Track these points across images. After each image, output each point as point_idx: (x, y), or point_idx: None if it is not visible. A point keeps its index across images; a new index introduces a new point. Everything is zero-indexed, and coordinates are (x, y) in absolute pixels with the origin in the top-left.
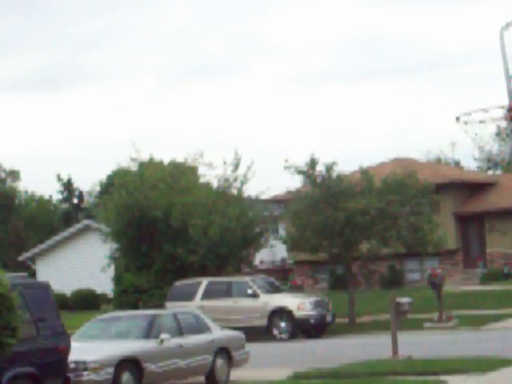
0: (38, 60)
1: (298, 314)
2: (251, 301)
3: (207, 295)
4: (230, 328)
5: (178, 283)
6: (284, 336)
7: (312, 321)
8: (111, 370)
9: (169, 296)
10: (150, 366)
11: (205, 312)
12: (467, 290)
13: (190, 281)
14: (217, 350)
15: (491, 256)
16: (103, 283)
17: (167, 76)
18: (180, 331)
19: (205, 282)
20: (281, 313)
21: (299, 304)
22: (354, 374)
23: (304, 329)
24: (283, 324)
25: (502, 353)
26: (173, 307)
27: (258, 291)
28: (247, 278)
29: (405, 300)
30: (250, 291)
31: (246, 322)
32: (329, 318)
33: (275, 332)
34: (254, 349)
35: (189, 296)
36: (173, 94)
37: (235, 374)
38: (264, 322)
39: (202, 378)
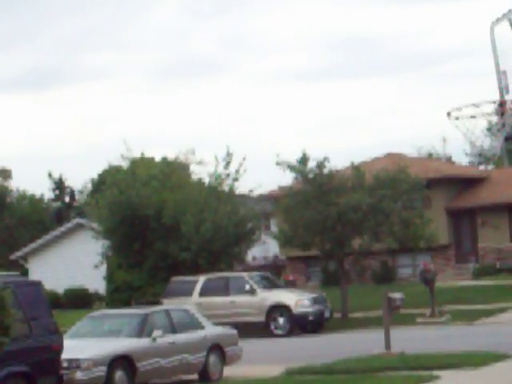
0: (29, 59)
1: (296, 310)
2: (249, 297)
3: (205, 292)
4: (228, 324)
5: (175, 280)
6: (282, 332)
7: (310, 317)
8: (104, 368)
9: (166, 292)
10: (142, 364)
11: (202, 308)
12: (459, 285)
13: (187, 277)
14: (210, 346)
15: (483, 251)
16: (96, 281)
17: (157, 74)
18: (173, 328)
19: (202, 278)
20: (279, 309)
21: (297, 300)
22: (347, 370)
23: (302, 325)
24: (281, 320)
25: (495, 348)
26: (170, 304)
27: (256, 287)
28: (245, 275)
29: (397, 295)
30: (247, 287)
31: (244, 318)
32: (327, 314)
33: (273, 328)
34: (251, 345)
35: (186, 292)
36: (163, 91)
37: (228, 370)
38: (262, 318)
39: (195, 375)
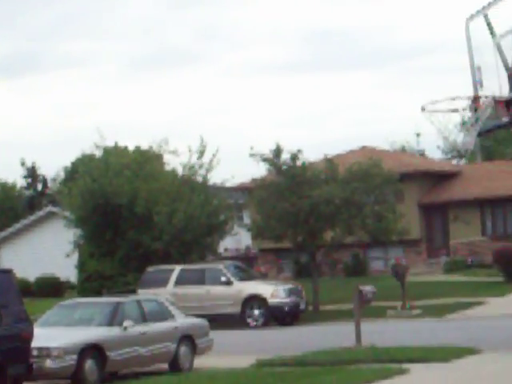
0: (4, 46)
1: (271, 301)
2: (224, 288)
3: (180, 282)
4: (203, 316)
5: (150, 269)
6: (257, 323)
7: (286, 308)
8: (74, 356)
9: (141, 282)
10: (113, 353)
11: (177, 299)
12: (430, 280)
13: (162, 267)
14: (180, 337)
15: (455, 246)
16: (67, 270)
17: (132, 63)
18: (144, 318)
19: (177, 268)
20: (254, 300)
21: (273, 291)
22: (317, 362)
23: (278, 316)
24: (257, 311)
25: (464, 342)
26: (145, 294)
27: (232, 278)
28: (221, 266)
29: (368, 289)
30: (223, 278)
31: (220, 310)
32: (302, 306)
33: (248, 319)
34: (224, 336)
35: (161, 283)
36: (138, 81)
37: (199, 361)
38: (237, 309)
39: (165, 366)
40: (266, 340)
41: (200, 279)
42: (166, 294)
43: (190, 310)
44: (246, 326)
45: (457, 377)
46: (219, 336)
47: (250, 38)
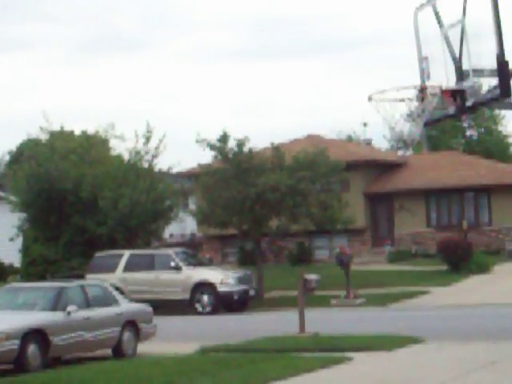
0: None
1: (220, 288)
2: (174, 274)
3: (129, 267)
4: (153, 301)
5: (98, 254)
6: (206, 310)
7: (235, 295)
8: (17, 341)
9: (89, 267)
10: (56, 338)
11: (126, 284)
12: (375, 269)
13: (111, 252)
14: (124, 322)
15: (399, 236)
16: (11, 254)
17: (79, 47)
18: (87, 303)
19: (126, 253)
20: (204, 286)
21: (222, 278)
22: (260, 349)
23: (227, 303)
24: (205, 298)
25: (407, 331)
26: (94, 279)
27: (181, 264)
28: (170, 251)
29: (312, 277)
30: (172, 264)
31: (169, 296)
32: (251, 293)
33: (197, 306)
34: (169, 322)
35: (110, 268)
36: (85, 65)
37: (143, 347)
38: (186, 295)
39: (108, 351)
40: (212, 327)
41: (149, 265)
42: (114, 279)
43: (139, 295)
44: (195, 312)
45: (399, 365)
46: (165, 322)
47: (199, 25)
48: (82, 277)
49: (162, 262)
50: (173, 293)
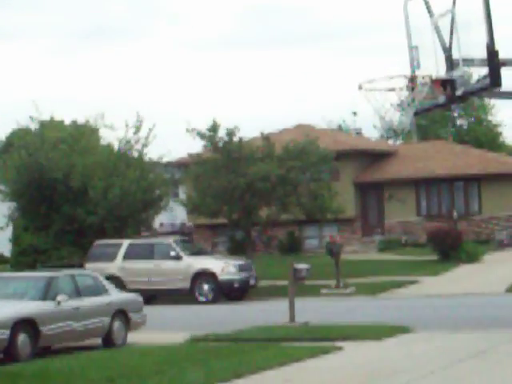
0: None
1: (221, 276)
2: (174, 263)
3: (128, 256)
4: (152, 291)
5: (98, 243)
6: (206, 299)
7: (236, 284)
8: (7, 331)
9: (88, 256)
10: (46, 328)
11: (126, 274)
12: (365, 258)
13: (110, 241)
14: (114, 312)
15: (389, 225)
16: (1, 244)
17: (68, 37)
18: (77, 293)
19: (126, 243)
20: (204, 275)
21: (223, 267)
22: (250, 339)
23: (227, 292)
24: (206, 287)
25: (397, 320)
26: (93, 268)
27: (182, 253)
28: (170, 240)
29: (302, 266)
30: (173, 253)
31: (169, 285)
32: (252, 282)
33: (197, 295)
34: (161, 312)
35: (109, 257)
36: (74, 54)
37: (134, 336)
38: (187, 284)
39: (98, 340)
40: (202, 316)
41: (149, 253)
42: (114, 268)
43: (138, 284)
44: (196, 301)
45: (389, 355)
46: (156, 311)
47: (188, 14)
48: (73, 266)
49: (162, 251)
50: (173, 282)
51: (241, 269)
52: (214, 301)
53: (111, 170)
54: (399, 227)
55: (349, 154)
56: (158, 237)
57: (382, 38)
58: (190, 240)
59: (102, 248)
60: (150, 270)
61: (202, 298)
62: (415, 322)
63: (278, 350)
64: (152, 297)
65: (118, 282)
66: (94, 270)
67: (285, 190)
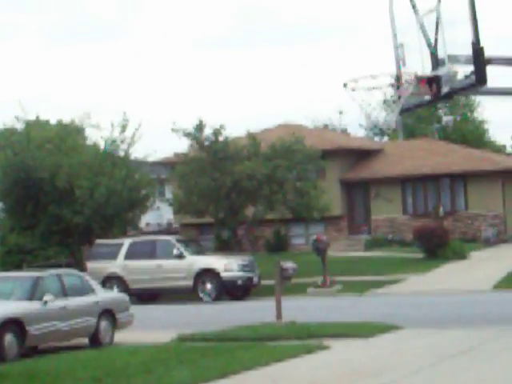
0: None
1: (224, 274)
2: (177, 261)
3: (130, 255)
4: (155, 289)
5: (98, 242)
6: (209, 298)
7: (239, 282)
8: None
9: (89, 255)
10: (33, 328)
11: (128, 272)
12: (351, 256)
13: (111, 240)
14: (101, 311)
15: (376, 223)
16: None
17: (53, 35)
18: (64, 293)
19: (127, 241)
20: (207, 273)
21: (226, 265)
22: (237, 338)
23: (230, 290)
24: (209, 285)
25: (384, 318)
26: (94, 268)
27: (184, 251)
28: (171, 238)
29: (289, 265)
30: (175, 251)
31: (171, 283)
32: (255, 280)
33: (201, 293)
34: (148, 311)
35: (111, 256)
36: (59, 53)
37: (122, 336)
38: (190, 283)
39: (85, 340)
40: (188, 315)
41: (151, 252)
42: (115, 267)
43: (140, 283)
44: (199, 299)
45: (376, 353)
46: (145, 311)
47: (174, 13)
48: (60, 266)
49: (164, 250)
50: (176, 280)
51: (244, 267)
52: (216, 299)
53: (97, 169)
54: (385, 225)
55: (335, 153)
56: (159, 235)
57: (368, 36)
58: (195, 239)
59: (103, 247)
60: (152, 268)
61: (205, 297)
62: (403, 320)
63: (265, 348)
64: (154, 296)
65: (119, 282)
66: (95, 269)
67: (271, 188)
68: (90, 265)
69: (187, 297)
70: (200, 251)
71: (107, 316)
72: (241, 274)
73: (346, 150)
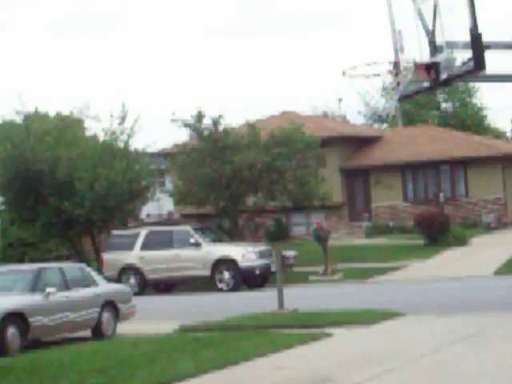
0: None
1: (242, 263)
2: (194, 250)
3: (147, 245)
4: (172, 279)
5: (115, 233)
6: (227, 287)
7: (257, 271)
8: None
9: (106, 246)
10: (35, 320)
11: (145, 263)
12: (352, 244)
13: (127, 231)
14: (103, 303)
15: (376, 210)
16: None
17: (52, 26)
18: (66, 285)
19: (144, 231)
20: (225, 262)
21: (244, 253)
22: (239, 327)
23: (248, 279)
24: (227, 274)
25: (386, 306)
26: (110, 259)
27: (201, 240)
28: (188, 227)
29: (290, 253)
30: (192, 240)
31: (189, 273)
32: (273, 268)
33: (218, 283)
34: (151, 301)
35: (127, 246)
36: (58, 46)
37: (125, 327)
38: (207, 272)
39: (88, 332)
40: (190, 305)
41: (168, 242)
42: (132, 258)
43: (157, 272)
44: (216, 289)
45: (379, 340)
46: (147, 302)
47: (171, 2)
48: (61, 258)
49: (181, 239)
50: (193, 269)
51: (261, 255)
52: (234, 288)
53: (97, 161)
54: (386, 212)
55: (335, 140)
56: (176, 225)
57: (366, 23)
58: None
59: (119, 238)
60: (169, 258)
61: (223, 286)
62: (405, 306)
63: (268, 337)
64: (171, 286)
65: (136, 272)
66: (111, 260)
67: (271, 177)
68: (106, 256)
69: (204, 287)
70: (217, 239)
71: (109, 307)
72: (259, 262)
73: (345, 137)
